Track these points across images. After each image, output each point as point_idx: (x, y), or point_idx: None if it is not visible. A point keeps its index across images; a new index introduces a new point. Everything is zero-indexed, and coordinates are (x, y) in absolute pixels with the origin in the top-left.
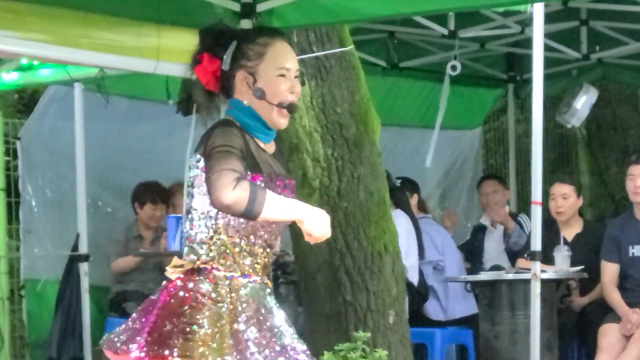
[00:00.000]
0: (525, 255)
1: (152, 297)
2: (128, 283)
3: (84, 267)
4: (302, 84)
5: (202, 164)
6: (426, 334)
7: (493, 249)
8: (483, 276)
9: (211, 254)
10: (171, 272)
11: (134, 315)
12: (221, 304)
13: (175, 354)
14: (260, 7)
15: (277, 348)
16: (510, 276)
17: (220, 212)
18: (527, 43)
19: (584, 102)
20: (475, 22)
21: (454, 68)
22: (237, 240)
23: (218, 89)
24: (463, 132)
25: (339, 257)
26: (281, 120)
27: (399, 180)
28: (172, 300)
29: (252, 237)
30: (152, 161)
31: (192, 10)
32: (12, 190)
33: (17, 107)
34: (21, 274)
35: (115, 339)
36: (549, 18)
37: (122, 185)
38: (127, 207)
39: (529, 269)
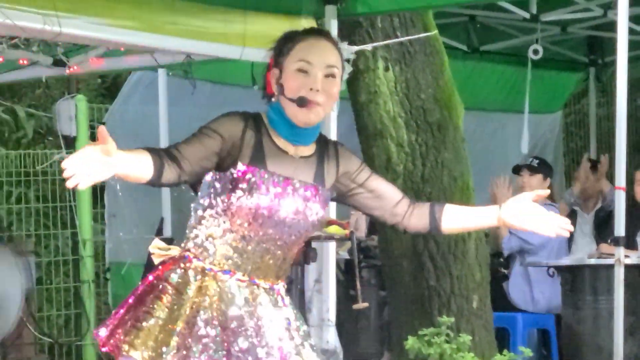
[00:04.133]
0: (609, 240)
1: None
2: None
3: None
4: (386, 69)
5: None
6: (508, 319)
7: (584, 234)
8: (565, 261)
9: (196, 242)
10: (153, 254)
11: None
12: (184, 296)
13: (120, 338)
14: None
15: (236, 350)
16: (592, 261)
17: (205, 202)
18: (609, 26)
19: None
20: (557, 5)
21: (535, 52)
22: (221, 234)
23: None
24: (544, 116)
25: (422, 243)
26: (298, 116)
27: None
28: (145, 288)
29: (236, 234)
30: None
31: None
32: None
33: (100, 91)
34: (106, 257)
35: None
36: (633, 1)
37: None
38: None
39: (612, 254)
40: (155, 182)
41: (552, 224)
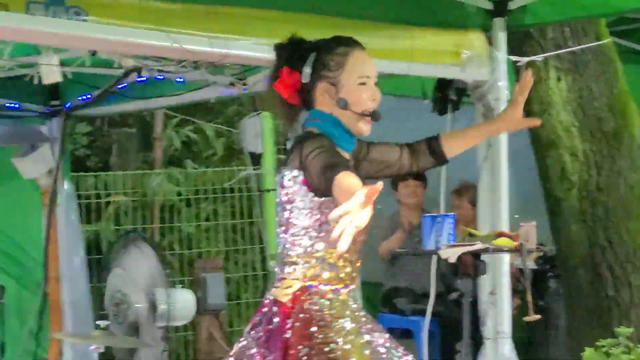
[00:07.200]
0: None
1: (267, 327)
2: (400, 279)
3: None
4: (558, 79)
5: (301, 177)
6: None
7: None
8: None
9: (314, 269)
10: (282, 295)
11: (246, 343)
12: (342, 319)
13: None
14: (513, 5)
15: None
16: None
17: (322, 226)
18: None
19: None
20: None
21: None
22: (329, 256)
23: (299, 101)
24: None
25: (600, 252)
26: (364, 128)
27: None
28: (296, 324)
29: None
30: None
31: (444, 11)
32: None
33: None
34: None
35: None
36: None
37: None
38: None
39: None
40: None
41: None
